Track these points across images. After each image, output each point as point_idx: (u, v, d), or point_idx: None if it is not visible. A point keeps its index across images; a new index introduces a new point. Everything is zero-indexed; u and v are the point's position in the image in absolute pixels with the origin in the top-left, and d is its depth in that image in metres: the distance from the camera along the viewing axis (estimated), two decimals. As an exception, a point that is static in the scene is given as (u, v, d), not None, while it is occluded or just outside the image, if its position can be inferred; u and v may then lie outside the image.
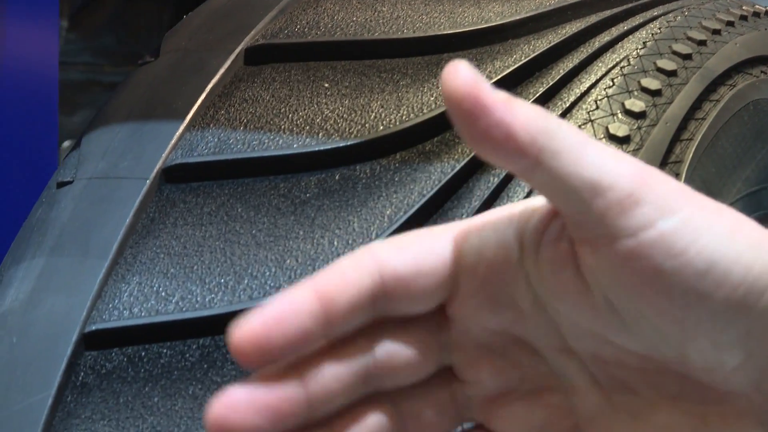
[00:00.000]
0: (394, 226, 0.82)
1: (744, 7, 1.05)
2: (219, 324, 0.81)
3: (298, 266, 0.81)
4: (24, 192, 1.30)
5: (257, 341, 0.49)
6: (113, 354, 0.82)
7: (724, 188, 0.95)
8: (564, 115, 0.88)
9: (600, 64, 0.92)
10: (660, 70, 0.92)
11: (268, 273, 0.81)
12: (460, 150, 0.86)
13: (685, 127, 0.90)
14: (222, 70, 0.94)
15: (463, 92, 0.46)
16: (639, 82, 0.90)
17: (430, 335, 0.55)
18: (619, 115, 0.88)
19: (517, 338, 0.55)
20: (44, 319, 0.83)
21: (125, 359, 0.81)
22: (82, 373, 0.81)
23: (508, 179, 0.84)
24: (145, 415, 0.79)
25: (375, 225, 0.82)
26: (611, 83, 0.90)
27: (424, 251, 0.52)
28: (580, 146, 0.48)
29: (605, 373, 0.55)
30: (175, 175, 0.88)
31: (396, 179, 0.85)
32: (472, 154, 0.85)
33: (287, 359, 0.51)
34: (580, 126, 0.87)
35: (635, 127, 0.87)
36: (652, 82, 0.90)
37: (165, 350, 0.81)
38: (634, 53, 0.93)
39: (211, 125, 0.90)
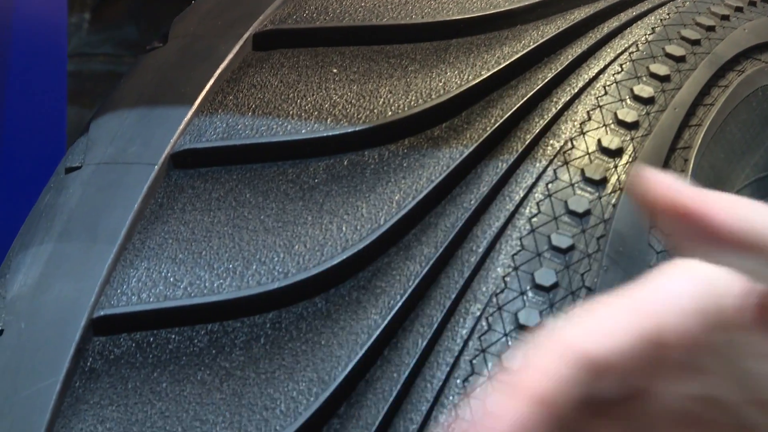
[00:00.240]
0: (403, 212, 0.82)
1: (753, -7, 1.05)
2: (227, 309, 0.81)
3: (307, 252, 0.81)
4: (33, 183, 1.30)
5: None
6: (121, 339, 0.82)
7: (732, 174, 0.95)
8: (573, 100, 0.87)
9: (609, 50, 0.92)
10: (669, 55, 0.91)
11: (276, 258, 0.81)
12: (468, 135, 0.85)
13: (694, 112, 0.90)
14: (230, 56, 0.94)
15: (668, 202, 0.46)
16: (648, 67, 0.90)
17: (625, 409, 0.53)
18: (628, 101, 0.88)
19: (710, 398, 0.54)
20: (52, 304, 0.83)
21: (133, 345, 0.81)
22: (91, 359, 0.81)
23: (516, 165, 0.84)
24: (153, 401, 0.79)
25: (383, 210, 0.82)
26: (620, 69, 0.90)
27: (622, 329, 0.51)
28: None
29: None
30: (183, 161, 0.88)
31: (404, 165, 0.85)
32: (481, 140, 0.85)
33: None
34: (588, 111, 0.87)
35: (644, 113, 0.87)
36: (660, 68, 0.90)
37: (173, 336, 0.81)
38: (643, 39, 0.92)
39: (220, 111, 0.90)
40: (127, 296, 0.82)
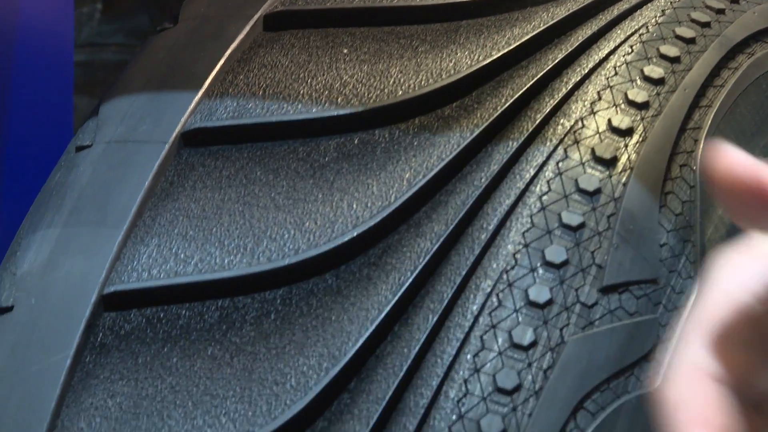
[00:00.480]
0: (413, 190, 0.82)
1: (762, -21, 1.05)
2: (238, 286, 0.81)
3: (317, 228, 0.81)
4: (40, 175, 1.30)
5: None
6: (132, 315, 0.82)
7: (742, 157, 0.95)
8: (583, 81, 0.88)
9: (619, 31, 0.92)
10: (679, 37, 0.92)
11: (287, 235, 0.82)
12: (479, 115, 0.86)
13: (704, 94, 0.90)
14: (241, 36, 0.94)
15: (740, 179, 0.46)
16: (658, 49, 0.90)
17: None
18: (638, 81, 0.88)
19: None
20: (63, 281, 0.84)
21: (144, 320, 0.81)
22: (101, 334, 0.82)
23: (526, 144, 0.84)
24: (163, 375, 0.79)
25: (394, 188, 0.82)
26: (630, 50, 0.90)
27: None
28: None
29: None
30: (194, 139, 0.88)
31: (415, 143, 0.85)
32: (491, 119, 0.85)
33: None
34: (599, 92, 0.87)
35: (654, 93, 0.87)
36: (670, 49, 0.90)
37: (184, 311, 0.81)
38: (653, 21, 0.92)
39: (230, 90, 0.90)
40: (138, 272, 0.82)
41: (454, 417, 0.74)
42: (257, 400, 0.76)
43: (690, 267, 0.83)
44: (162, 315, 0.81)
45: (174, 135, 0.88)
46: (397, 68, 0.89)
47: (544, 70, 0.88)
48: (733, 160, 0.47)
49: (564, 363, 0.76)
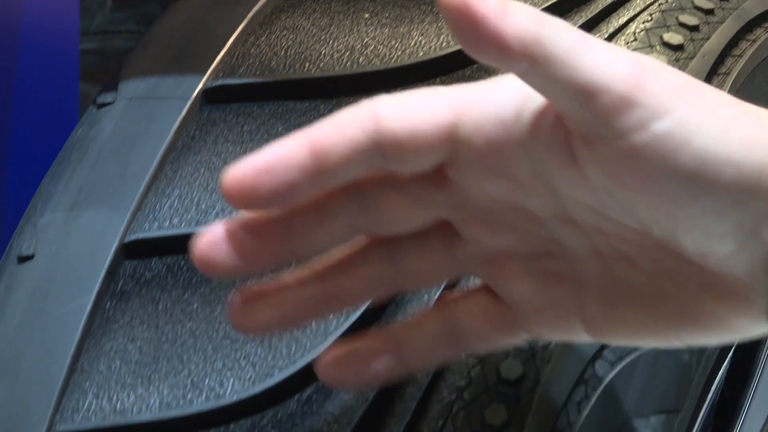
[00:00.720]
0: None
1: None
2: (259, 234, 0.81)
3: (339, 180, 0.82)
4: (45, 160, 1.30)
5: (245, 186, 0.50)
6: (153, 263, 0.82)
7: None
8: (602, 45, 0.88)
9: (638, 0, 0.93)
10: (697, 8, 0.92)
11: (308, 186, 0.82)
12: (500, 73, 0.86)
13: (722, 62, 0.91)
14: (262, 1, 0.95)
15: (455, 4, 0.47)
16: (677, 17, 0.91)
17: (424, 190, 0.55)
18: (658, 47, 0.89)
19: (517, 205, 0.55)
20: (84, 229, 0.84)
21: (165, 268, 0.82)
22: (122, 282, 0.82)
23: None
24: (183, 321, 0.79)
25: (415, 143, 0.83)
26: (649, 18, 0.91)
27: (424, 115, 0.53)
28: (575, 50, 0.48)
29: (606, 244, 0.55)
30: (216, 97, 0.89)
31: (436, 101, 0.86)
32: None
33: (274, 206, 0.52)
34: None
35: (673, 59, 0.88)
36: (690, 19, 0.91)
37: (205, 259, 0.81)
38: (672, -9, 0.94)
39: (252, 51, 0.91)
40: (159, 221, 0.83)
41: (474, 359, 0.74)
42: (277, 345, 0.77)
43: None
44: (183, 263, 0.82)
45: (196, 92, 0.89)
46: (418, 31, 0.90)
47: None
48: None
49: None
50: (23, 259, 0.85)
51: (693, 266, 0.53)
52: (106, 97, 0.92)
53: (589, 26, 0.90)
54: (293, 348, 0.76)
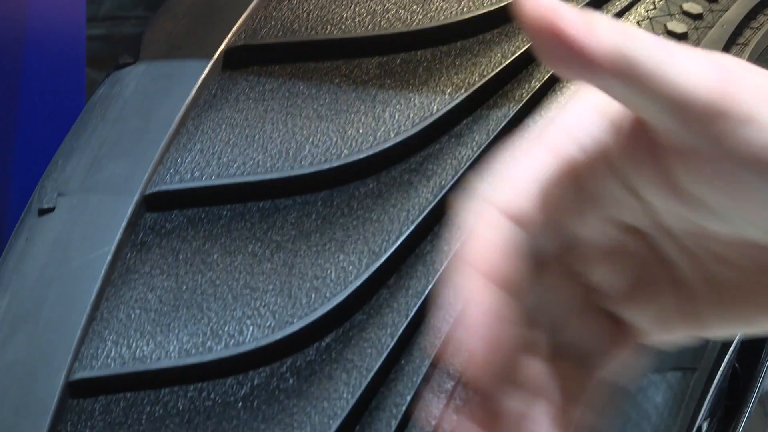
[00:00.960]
0: (455, 102, 0.83)
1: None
2: (280, 188, 0.82)
3: (359, 136, 0.82)
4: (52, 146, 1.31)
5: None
6: (173, 215, 0.83)
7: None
8: (623, 12, 0.89)
9: (658, -29, 0.94)
10: (716, -20, 0.93)
11: (329, 142, 0.83)
12: (520, 39, 0.87)
13: (741, 33, 0.92)
14: (285, -33, 0.95)
15: (540, 21, 0.47)
16: (696, -12, 0.92)
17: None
18: (677, 16, 0.89)
19: (625, 226, 0.55)
20: (105, 182, 0.85)
21: (185, 220, 0.82)
22: (142, 233, 0.82)
23: (567, 64, 0.85)
24: (204, 270, 0.80)
25: (436, 101, 0.84)
26: (669, -13, 0.92)
27: (548, 181, 0.53)
28: (661, 63, 0.48)
29: (700, 247, 0.55)
30: (238, 56, 0.89)
31: (457, 63, 0.86)
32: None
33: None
34: (638, 22, 0.88)
35: (692, 27, 0.89)
36: (709, -10, 0.92)
37: (225, 212, 0.82)
38: (691, -36, 0.94)
39: (274, 14, 0.91)
40: (180, 174, 0.83)
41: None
42: (297, 294, 0.77)
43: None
44: (203, 215, 0.82)
45: (218, 52, 0.89)
46: (440, -3, 0.91)
47: (585, 2, 0.89)
48: (551, 8, 0.47)
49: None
50: (44, 212, 0.85)
51: None
52: (128, 59, 0.93)
53: (609, -5, 0.91)
54: (313, 297, 0.77)
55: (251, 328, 0.77)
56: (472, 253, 0.49)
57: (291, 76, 0.88)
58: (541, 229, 0.52)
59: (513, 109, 0.82)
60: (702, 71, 0.48)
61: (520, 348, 0.51)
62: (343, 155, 0.82)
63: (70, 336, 0.79)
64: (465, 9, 0.89)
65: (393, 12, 0.90)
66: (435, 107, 0.83)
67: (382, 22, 0.89)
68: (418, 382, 0.74)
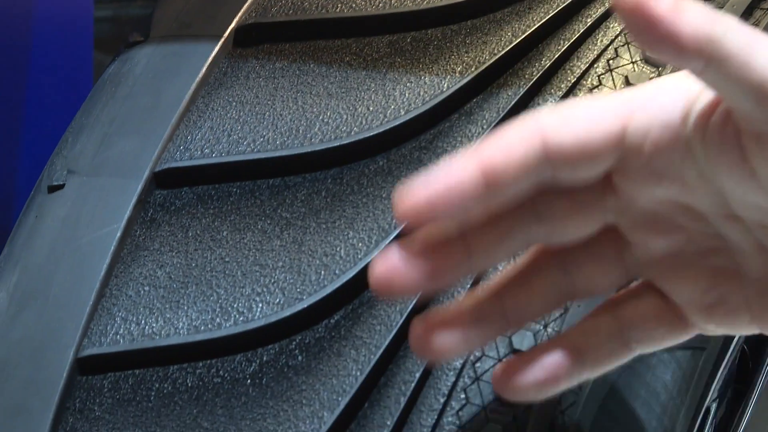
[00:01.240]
0: (466, 80, 0.83)
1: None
2: (290, 165, 0.82)
3: (369, 114, 0.82)
4: (60, 129, 1.31)
5: (419, 212, 0.51)
6: (183, 192, 0.83)
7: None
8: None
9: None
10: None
11: (339, 120, 0.83)
12: (531, 18, 0.87)
13: (751, 14, 0.91)
14: (295, -54, 0.95)
15: (631, 4, 0.47)
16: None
17: (593, 197, 0.56)
18: None
19: (683, 205, 0.55)
20: (115, 159, 0.85)
21: (195, 197, 0.82)
22: (152, 210, 0.82)
23: (578, 43, 0.85)
24: (213, 247, 0.80)
25: (446, 79, 0.83)
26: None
27: (591, 125, 0.53)
28: (748, 49, 0.48)
29: None
30: (248, 35, 0.89)
31: (467, 41, 0.86)
32: (543, 21, 0.86)
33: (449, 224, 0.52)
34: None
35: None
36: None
37: (235, 189, 0.82)
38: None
39: (285, -8, 0.91)
40: (190, 151, 0.83)
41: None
42: (307, 270, 0.77)
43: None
44: (213, 192, 0.82)
45: (228, 30, 0.89)
46: (450, -24, 0.90)
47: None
48: None
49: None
50: (53, 189, 0.85)
51: None
52: (137, 36, 0.93)
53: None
54: (322, 274, 0.77)
55: (260, 305, 0.77)
56: (485, 143, 0.51)
57: (301, 54, 0.88)
58: (567, 170, 0.52)
59: (523, 87, 0.82)
60: None
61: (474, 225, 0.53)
62: (353, 133, 0.82)
63: (79, 313, 0.79)
64: (476, -12, 0.89)
65: (403, -9, 0.90)
66: (445, 85, 0.83)
67: (393, 1, 0.89)
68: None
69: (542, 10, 0.87)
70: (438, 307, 0.57)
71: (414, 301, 0.75)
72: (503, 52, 0.84)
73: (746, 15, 0.91)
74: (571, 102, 0.55)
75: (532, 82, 0.83)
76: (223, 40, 0.89)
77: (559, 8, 0.87)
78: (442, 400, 0.73)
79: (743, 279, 0.57)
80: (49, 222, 0.84)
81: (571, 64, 0.84)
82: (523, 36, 0.85)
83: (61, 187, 0.85)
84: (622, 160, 0.54)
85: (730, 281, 0.57)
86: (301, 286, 0.77)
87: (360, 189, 0.80)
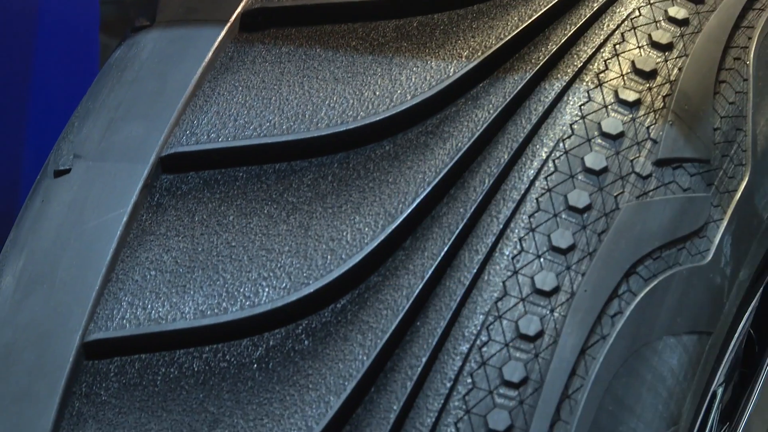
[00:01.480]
0: (472, 64, 0.83)
1: None
2: (296, 149, 0.82)
3: (376, 98, 0.82)
4: (66, 112, 1.30)
5: None
6: (189, 177, 0.83)
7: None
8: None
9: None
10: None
11: (346, 104, 0.83)
12: (537, 2, 0.87)
13: (744, 15, 0.91)
14: (301, -70, 0.95)
15: None
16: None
17: None
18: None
19: None
20: (121, 144, 0.85)
21: (201, 182, 0.82)
22: (158, 195, 0.82)
23: (586, 27, 0.85)
24: (219, 232, 0.80)
25: (453, 64, 0.83)
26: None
27: None
28: None
29: None
30: (254, 19, 0.89)
31: (474, 26, 0.86)
32: (550, 5, 0.86)
33: None
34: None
35: (694, 12, 0.88)
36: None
37: (241, 174, 0.82)
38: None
39: (291, -23, 0.91)
40: (197, 136, 0.83)
41: (508, 273, 0.75)
42: (313, 255, 0.77)
43: (742, 155, 0.84)
44: (219, 177, 0.82)
45: (234, 15, 0.89)
46: (457, -40, 0.90)
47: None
48: None
49: (618, 227, 0.77)
50: (59, 173, 0.85)
51: None
52: (143, 21, 0.93)
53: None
54: (329, 258, 0.77)
55: (267, 289, 0.77)
56: None
57: (307, 39, 0.88)
58: None
59: (529, 72, 0.82)
60: None
61: None
62: (359, 117, 0.82)
63: (86, 297, 0.79)
64: (482, -28, 0.89)
65: (410, -25, 0.90)
66: (452, 70, 0.83)
67: (399, -15, 0.89)
68: (434, 343, 0.74)
69: (548, -6, 0.87)
70: None
71: (420, 286, 0.75)
72: (510, 37, 0.84)
73: (740, 17, 0.91)
74: None
75: (538, 67, 0.82)
76: (229, 24, 0.89)
77: (566, -7, 0.87)
78: (448, 385, 0.73)
79: None
80: (55, 206, 0.84)
81: (577, 49, 0.84)
82: (530, 21, 0.85)
83: (67, 171, 0.85)
84: None
85: None
86: (307, 271, 0.77)
87: (366, 173, 0.80)
